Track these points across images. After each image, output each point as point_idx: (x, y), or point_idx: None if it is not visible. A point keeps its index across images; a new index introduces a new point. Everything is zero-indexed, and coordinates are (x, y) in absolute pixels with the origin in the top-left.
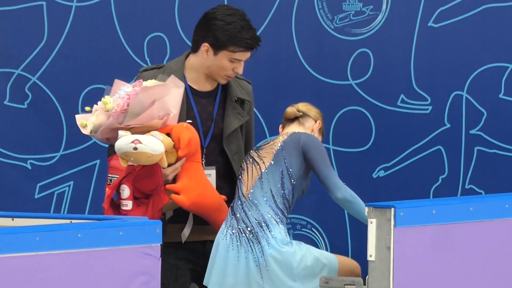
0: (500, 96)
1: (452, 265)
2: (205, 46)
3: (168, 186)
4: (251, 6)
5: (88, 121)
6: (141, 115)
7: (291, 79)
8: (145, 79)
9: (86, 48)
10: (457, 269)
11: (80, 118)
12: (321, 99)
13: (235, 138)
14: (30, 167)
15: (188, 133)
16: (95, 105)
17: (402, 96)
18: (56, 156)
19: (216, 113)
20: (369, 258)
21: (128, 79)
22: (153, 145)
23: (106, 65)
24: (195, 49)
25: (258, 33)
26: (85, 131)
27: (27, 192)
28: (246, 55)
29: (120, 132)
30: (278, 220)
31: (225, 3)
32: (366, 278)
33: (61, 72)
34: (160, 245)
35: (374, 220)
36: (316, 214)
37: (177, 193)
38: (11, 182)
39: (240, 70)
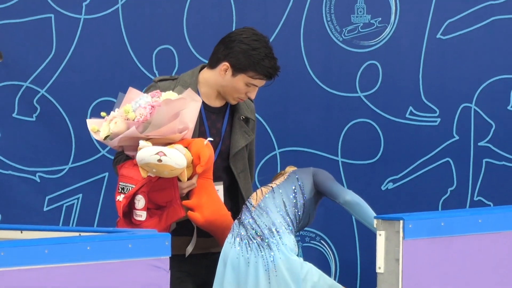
0: (509, 108)
1: (461, 277)
2: (225, 65)
3: (184, 202)
4: (260, 18)
5: (101, 126)
6: (163, 127)
7: (299, 91)
8: (162, 90)
9: (94, 60)
10: (466, 281)
11: (91, 123)
12: (330, 112)
13: (241, 157)
14: (39, 180)
15: (208, 150)
16: (112, 112)
17: (410, 108)
18: (65, 169)
19: (224, 130)
20: (378, 270)
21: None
22: (177, 158)
23: (114, 78)
24: (213, 65)
25: None
26: (97, 137)
27: (35, 205)
28: (263, 82)
29: (142, 143)
30: (289, 229)
31: (234, 17)
32: None
33: (70, 85)
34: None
35: (383, 232)
36: (325, 227)
37: (191, 209)
38: (20, 195)
39: (253, 95)
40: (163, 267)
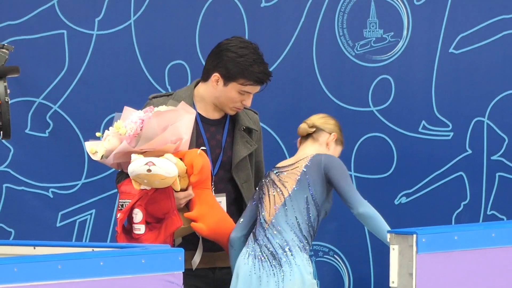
0: None
1: None
2: (215, 76)
3: (185, 214)
4: (273, 33)
5: (98, 147)
6: (154, 139)
7: (312, 105)
8: (156, 106)
9: (107, 76)
10: None
11: (89, 145)
12: (343, 126)
13: (244, 167)
14: (51, 196)
15: (201, 159)
16: (106, 131)
17: (423, 122)
18: (78, 184)
19: (224, 141)
20: (391, 285)
21: None
22: (167, 167)
23: (127, 93)
24: (205, 78)
25: (279, 60)
26: (95, 157)
27: (48, 221)
28: (256, 88)
29: (133, 156)
30: (302, 247)
31: (246, 31)
32: None
33: (82, 100)
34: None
35: (396, 247)
36: (338, 241)
37: (194, 221)
38: (33, 211)
39: (248, 102)
40: (176, 282)
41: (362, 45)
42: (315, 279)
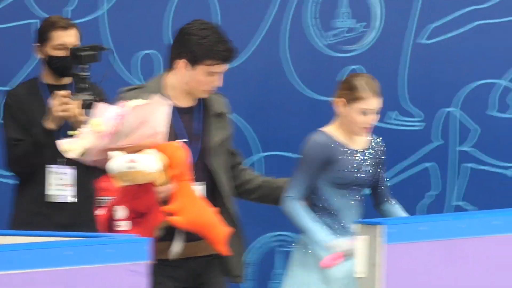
0: (493, 112)
1: (442, 282)
2: (182, 62)
3: (164, 208)
4: (245, 23)
5: (75, 145)
6: (133, 135)
7: (283, 95)
8: (128, 100)
9: None
10: (446, 286)
11: (63, 144)
12: (313, 116)
13: (220, 152)
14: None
15: (181, 152)
16: (80, 129)
17: (395, 112)
18: None
19: (199, 128)
20: (357, 275)
21: None
22: (149, 163)
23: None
24: (172, 66)
25: (251, 50)
26: (72, 155)
27: None
28: (223, 67)
29: (111, 153)
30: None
31: (218, 22)
32: None
33: None
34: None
35: (363, 237)
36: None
37: (172, 214)
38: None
39: (219, 83)
40: (142, 272)
41: (334, 35)
42: None
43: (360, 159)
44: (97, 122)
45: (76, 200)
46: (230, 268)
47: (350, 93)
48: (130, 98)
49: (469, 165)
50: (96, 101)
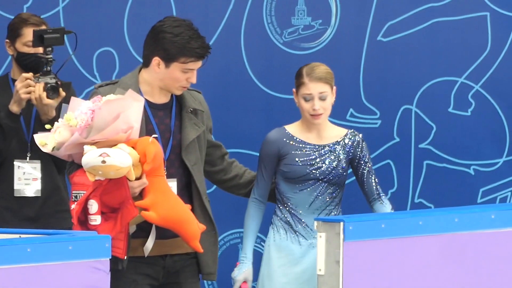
0: (449, 110)
1: (401, 280)
2: (156, 60)
3: (136, 203)
4: (201, 20)
5: (49, 139)
6: (106, 129)
7: (240, 93)
8: (103, 95)
9: None
10: (406, 283)
11: (39, 137)
12: (271, 113)
13: (194, 149)
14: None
15: (154, 147)
16: (56, 123)
17: (351, 110)
18: None
19: (173, 125)
20: (318, 273)
21: (78, 93)
22: (121, 157)
23: None
24: (146, 63)
25: None
26: (45, 149)
27: None
28: (198, 64)
29: (86, 147)
30: None
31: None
32: None
33: None
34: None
35: (323, 234)
36: (267, 230)
37: (145, 209)
38: None
39: (193, 79)
40: (103, 269)
41: (290, 33)
42: None
43: (317, 153)
44: (70, 117)
45: (40, 194)
46: (204, 265)
47: (296, 81)
48: (104, 93)
49: (425, 162)
50: (58, 84)
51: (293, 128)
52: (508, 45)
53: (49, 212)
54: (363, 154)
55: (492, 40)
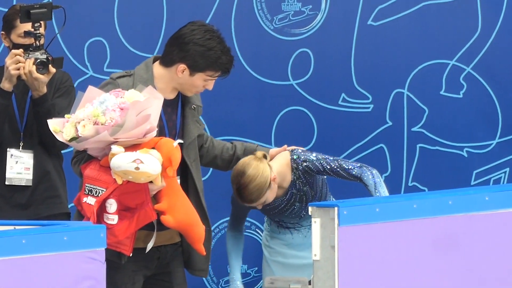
0: (441, 92)
1: (396, 263)
2: (182, 66)
3: (156, 206)
4: (191, 7)
5: (64, 128)
6: (133, 130)
7: (231, 80)
8: (121, 87)
9: None
10: (401, 267)
11: (52, 123)
12: (262, 100)
13: (193, 146)
14: None
15: (179, 153)
16: (73, 114)
17: (343, 95)
18: None
19: (179, 121)
20: (314, 258)
21: None
22: (154, 165)
23: None
24: (168, 64)
25: None
26: (60, 137)
27: None
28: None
29: (114, 148)
30: None
31: (165, 6)
32: (311, 277)
33: None
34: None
35: (318, 220)
36: (258, 215)
37: (162, 212)
38: None
39: (210, 87)
40: (98, 259)
41: (281, 19)
42: None
43: (286, 201)
44: (97, 113)
45: (31, 184)
46: (197, 262)
47: None
48: (123, 86)
49: (418, 145)
50: (49, 59)
51: None
52: (498, 26)
53: (40, 199)
54: (316, 170)
55: (483, 21)
